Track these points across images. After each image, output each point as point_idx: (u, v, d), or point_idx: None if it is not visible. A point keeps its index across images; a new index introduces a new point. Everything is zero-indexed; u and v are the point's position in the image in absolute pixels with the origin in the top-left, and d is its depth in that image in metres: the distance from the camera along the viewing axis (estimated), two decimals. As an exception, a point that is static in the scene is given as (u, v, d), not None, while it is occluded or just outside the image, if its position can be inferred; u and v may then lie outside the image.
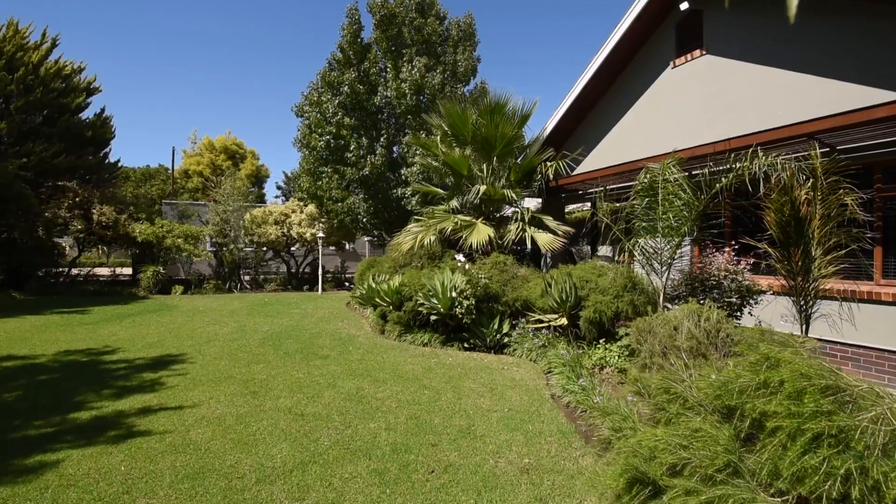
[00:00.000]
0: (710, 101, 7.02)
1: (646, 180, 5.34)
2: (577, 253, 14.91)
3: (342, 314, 9.95)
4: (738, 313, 5.46)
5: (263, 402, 4.33)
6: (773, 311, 6.19)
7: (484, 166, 9.30)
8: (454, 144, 9.63)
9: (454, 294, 6.48)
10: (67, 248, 18.25)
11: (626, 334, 5.79)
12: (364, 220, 13.93)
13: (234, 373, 5.30)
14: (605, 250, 14.44)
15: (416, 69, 12.61)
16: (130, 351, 6.38)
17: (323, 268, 17.59)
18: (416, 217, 9.83)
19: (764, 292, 5.62)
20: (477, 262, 7.62)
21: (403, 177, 12.19)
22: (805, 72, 6.08)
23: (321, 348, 6.57)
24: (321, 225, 15.07)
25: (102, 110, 16.25)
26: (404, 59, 13.15)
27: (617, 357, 5.51)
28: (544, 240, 8.31)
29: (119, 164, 17.48)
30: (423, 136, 10.38)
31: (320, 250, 15.10)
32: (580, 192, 9.67)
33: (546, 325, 6.29)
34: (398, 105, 12.95)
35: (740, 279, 5.42)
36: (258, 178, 35.28)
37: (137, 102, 73.33)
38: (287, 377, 5.11)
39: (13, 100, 13.28)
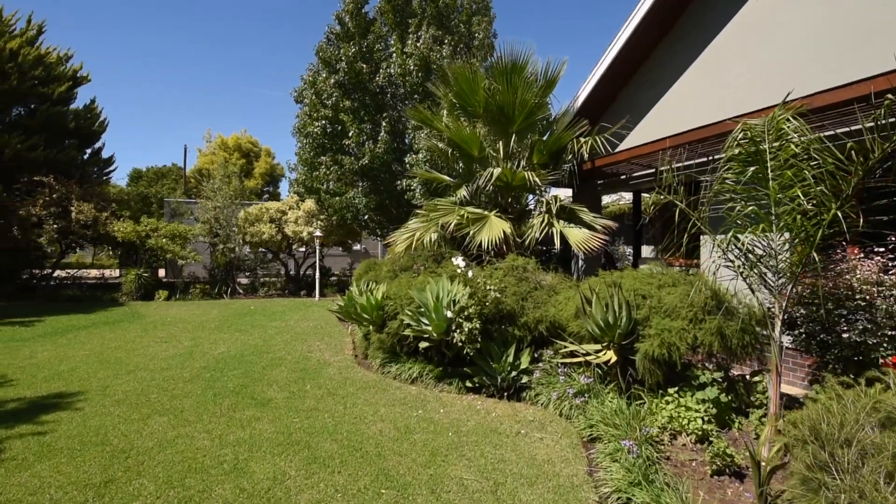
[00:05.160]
0: (823, 34, 4.86)
1: (744, 140, 3.32)
2: (613, 254, 12.70)
3: (328, 329, 8.22)
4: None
5: (104, 509, 2.57)
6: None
7: (500, 145, 7.36)
8: (462, 118, 7.74)
9: (450, 313, 4.59)
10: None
11: (714, 381, 3.77)
12: (365, 216, 12.18)
13: (117, 433, 3.57)
14: (647, 251, 12.19)
15: (422, 41, 10.77)
16: (20, 385, 4.79)
17: (328, 270, 15.97)
18: (417, 211, 7.99)
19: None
20: (487, 266, 5.68)
21: (409, 165, 10.36)
22: None
23: (270, 386, 4.80)
24: (319, 223, 13.43)
25: (92, 101, 15.10)
26: (410, 29, 11.35)
27: (701, 419, 3.49)
28: (578, 237, 6.32)
29: (113, 160, 16.36)
30: (428, 112, 8.50)
31: (318, 251, 13.45)
32: (623, 175, 7.59)
33: (583, 358, 4.32)
34: (403, 84, 11.16)
35: (909, 298, 3.31)
36: (273, 177, 34.33)
37: (163, 103, 74.65)
38: (181, 448, 3.33)
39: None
